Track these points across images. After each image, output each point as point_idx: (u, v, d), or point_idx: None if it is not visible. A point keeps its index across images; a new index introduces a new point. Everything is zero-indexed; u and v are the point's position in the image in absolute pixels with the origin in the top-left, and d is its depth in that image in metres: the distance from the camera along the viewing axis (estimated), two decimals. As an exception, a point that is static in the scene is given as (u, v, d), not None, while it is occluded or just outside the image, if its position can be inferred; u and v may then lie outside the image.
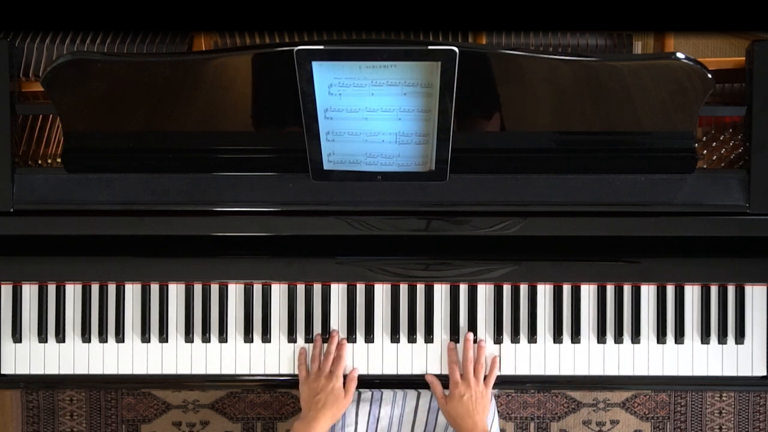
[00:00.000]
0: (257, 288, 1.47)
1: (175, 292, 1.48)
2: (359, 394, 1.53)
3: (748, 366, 1.47)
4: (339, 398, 1.41)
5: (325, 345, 1.47)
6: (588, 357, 1.47)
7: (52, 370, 1.48)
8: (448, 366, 1.45)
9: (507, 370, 1.47)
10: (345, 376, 1.45)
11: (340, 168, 1.34)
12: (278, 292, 1.48)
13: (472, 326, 1.46)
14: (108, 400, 2.21)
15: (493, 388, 1.54)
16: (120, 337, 1.47)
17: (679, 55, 1.26)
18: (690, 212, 1.39)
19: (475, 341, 1.46)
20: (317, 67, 1.20)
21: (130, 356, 1.48)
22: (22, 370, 1.48)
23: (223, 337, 1.47)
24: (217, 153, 1.37)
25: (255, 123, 1.35)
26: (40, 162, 1.46)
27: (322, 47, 1.18)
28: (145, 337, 1.47)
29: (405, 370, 1.47)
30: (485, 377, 1.45)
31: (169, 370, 1.47)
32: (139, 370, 1.48)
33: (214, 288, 1.47)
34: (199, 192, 1.38)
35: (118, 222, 1.40)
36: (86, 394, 2.21)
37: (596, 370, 1.47)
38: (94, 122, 1.35)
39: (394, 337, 1.46)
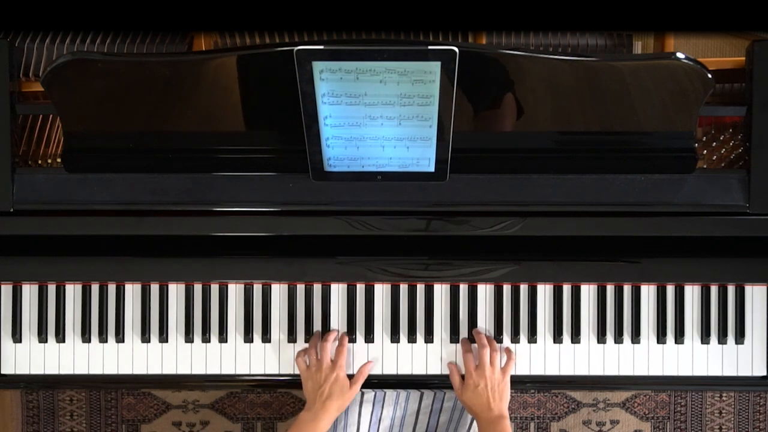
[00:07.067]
0: (257, 288, 1.47)
1: (175, 292, 1.48)
2: (362, 394, 1.53)
3: (748, 366, 1.47)
4: (344, 389, 1.40)
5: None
6: (588, 357, 1.47)
7: (52, 370, 1.48)
8: (463, 356, 1.43)
9: (507, 370, 1.47)
10: (355, 374, 1.44)
11: (340, 168, 1.34)
12: (278, 292, 1.48)
13: (472, 326, 1.46)
14: (108, 400, 2.21)
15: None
16: (120, 337, 1.47)
17: (679, 55, 1.26)
18: (690, 212, 1.39)
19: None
20: (317, 66, 1.20)
21: (130, 356, 1.48)
22: (22, 370, 1.48)
23: (223, 337, 1.47)
24: (217, 153, 1.37)
25: (255, 123, 1.35)
26: (40, 162, 1.46)
27: (322, 47, 1.18)
28: (145, 337, 1.47)
29: (405, 370, 1.47)
30: (504, 366, 1.42)
31: (169, 370, 1.47)
32: (139, 370, 1.48)
33: (214, 288, 1.47)
34: (199, 192, 1.38)
35: (118, 222, 1.40)
36: (86, 394, 2.21)
37: (596, 370, 1.47)
38: (93, 122, 1.35)
39: (394, 337, 1.46)
